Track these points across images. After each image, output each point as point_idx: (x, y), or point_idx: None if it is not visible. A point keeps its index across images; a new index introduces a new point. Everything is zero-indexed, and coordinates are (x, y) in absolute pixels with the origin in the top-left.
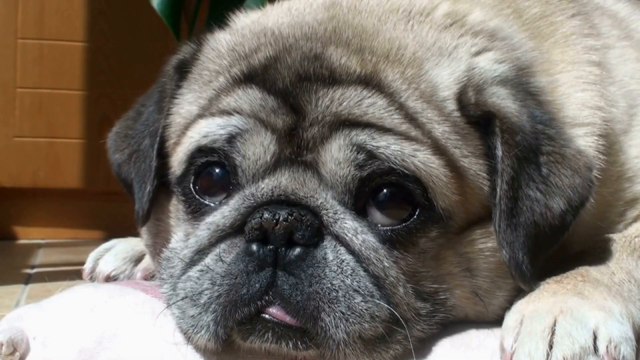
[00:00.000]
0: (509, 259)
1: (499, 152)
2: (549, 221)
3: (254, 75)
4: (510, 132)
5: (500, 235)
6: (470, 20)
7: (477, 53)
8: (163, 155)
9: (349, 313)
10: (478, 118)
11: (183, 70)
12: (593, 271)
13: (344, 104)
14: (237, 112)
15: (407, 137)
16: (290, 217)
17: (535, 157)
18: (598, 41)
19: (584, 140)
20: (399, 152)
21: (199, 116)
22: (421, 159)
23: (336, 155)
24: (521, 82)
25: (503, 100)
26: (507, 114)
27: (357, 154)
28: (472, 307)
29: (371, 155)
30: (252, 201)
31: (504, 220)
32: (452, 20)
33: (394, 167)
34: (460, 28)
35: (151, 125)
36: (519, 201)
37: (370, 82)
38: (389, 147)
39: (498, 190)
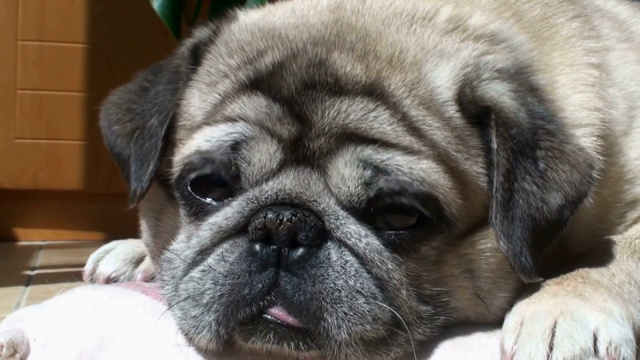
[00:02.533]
0: (506, 250)
1: (494, 145)
2: (545, 215)
3: (260, 82)
4: (505, 125)
5: (497, 227)
6: (471, 24)
7: (478, 56)
8: (166, 142)
9: (351, 314)
10: (477, 115)
11: (197, 55)
12: (593, 273)
13: (351, 117)
14: (242, 119)
15: (410, 151)
16: (294, 217)
17: (533, 151)
18: (598, 43)
19: (583, 141)
20: (405, 162)
21: (204, 123)
22: (425, 169)
23: (342, 170)
24: (522, 78)
25: (501, 95)
26: (503, 107)
27: (364, 170)
28: (473, 309)
29: (378, 169)
30: (255, 204)
31: (500, 212)
32: (453, 26)
33: (401, 178)
34: (462, 33)
35: (161, 104)
36: (515, 194)
37: (374, 91)
38: (394, 157)
39: (494, 182)
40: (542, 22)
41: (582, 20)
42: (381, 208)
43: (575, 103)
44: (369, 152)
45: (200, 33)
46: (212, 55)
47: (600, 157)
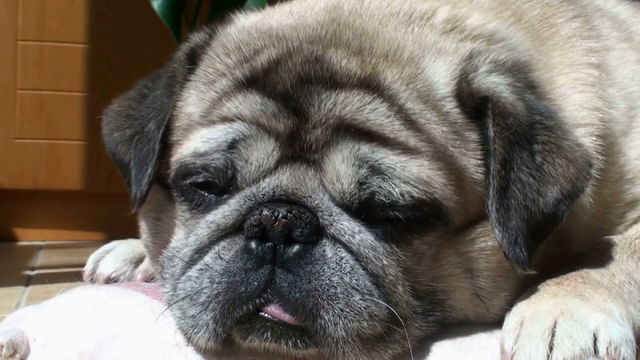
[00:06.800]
0: (501, 239)
1: (491, 134)
2: (541, 208)
3: (256, 80)
4: (502, 115)
5: (493, 214)
6: (468, 24)
7: (475, 53)
8: (164, 145)
9: (347, 310)
10: (476, 109)
11: (193, 58)
12: (593, 273)
13: (347, 108)
14: (239, 119)
15: (406, 148)
16: (289, 214)
17: (530, 145)
18: (598, 43)
19: (582, 141)
20: (399, 163)
21: (199, 124)
22: (420, 169)
23: (338, 167)
24: (520, 74)
25: (498, 85)
26: (500, 98)
27: (359, 168)
28: (473, 309)
29: (372, 169)
30: (253, 201)
31: (496, 199)
32: (451, 26)
33: (393, 190)
34: (460, 33)
35: (159, 108)
36: (512, 183)
37: (371, 84)
38: (388, 157)
39: (491, 169)
40: (542, 22)
41: (582, 20)
42: (373, 209)
43: (575, 103)
44: (365, 150)
45: (197, 37)
46: (209, 56)
47: (600, 157)
